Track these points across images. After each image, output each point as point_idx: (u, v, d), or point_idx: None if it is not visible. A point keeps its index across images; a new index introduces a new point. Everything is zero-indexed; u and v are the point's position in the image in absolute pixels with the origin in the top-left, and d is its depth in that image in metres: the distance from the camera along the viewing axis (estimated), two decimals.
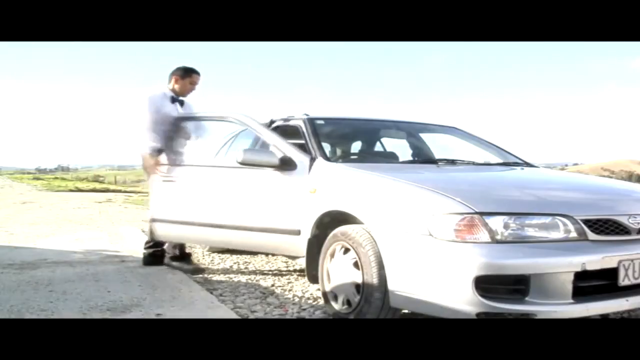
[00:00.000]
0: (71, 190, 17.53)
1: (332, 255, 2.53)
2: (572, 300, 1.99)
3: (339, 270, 2.47)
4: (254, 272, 3.60)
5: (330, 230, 2.56)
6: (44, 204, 10.51)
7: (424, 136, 3.85)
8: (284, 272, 3.61)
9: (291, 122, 3.34)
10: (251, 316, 2.57)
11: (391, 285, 2.16)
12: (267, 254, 4.16)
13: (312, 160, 2.84)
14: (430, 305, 2.06)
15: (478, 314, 1.94)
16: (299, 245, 2.75)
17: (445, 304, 2.01)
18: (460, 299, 1.96)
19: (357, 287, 2.34)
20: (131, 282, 3.19)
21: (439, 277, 2.01)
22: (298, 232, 2.75)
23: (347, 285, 2.41)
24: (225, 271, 3.67)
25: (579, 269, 1.96)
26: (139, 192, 17.91)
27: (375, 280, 2.22)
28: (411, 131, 3.83)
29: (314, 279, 2.70)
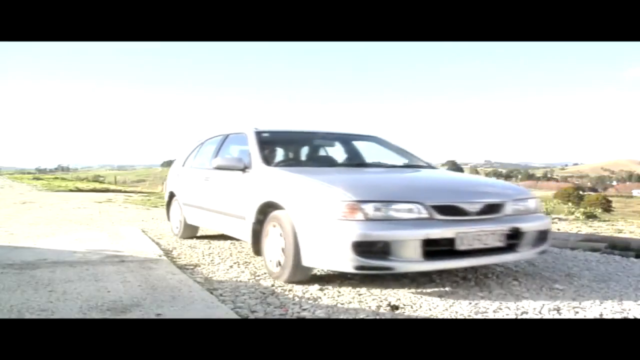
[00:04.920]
0: (71, 190, 17.52)
1: (268, 234, 3.49)
2: (422, 259, 2.88)
3: (272, 242, 3.45)
4: (254, 272, 3.60)
5: (268, 215, 3.51)
6: (44, 204, 10.51)
7: (359, 144, 4.89)
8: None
9: (243, 133, 4.35)
10: (251, 316, 2.57)
11: (302, 250, 3.10)
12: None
13: (256, 164, 3.85)
14: (326, 262, 3.00)
15: (355, 267, 2.85)
16: (247, 227, 3.73)
17: (335, 261, 2.93)
18: (345, 257, 2.86)
19: (283, 250, 3.28)
20: (131, 282, 3.19)
21: (331, 243, 2.92)
22: (244, 218, 3.78)
23: (276, 250, 3.38)
24: (226, 271, 3.67)
25: (424, 238, 2.86)
26: (139, 192, 17.93)
27: (292, 246, 3.16)
28: (341, 140, 4.88)
29: (257, 252, 3.68)
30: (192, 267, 3.83)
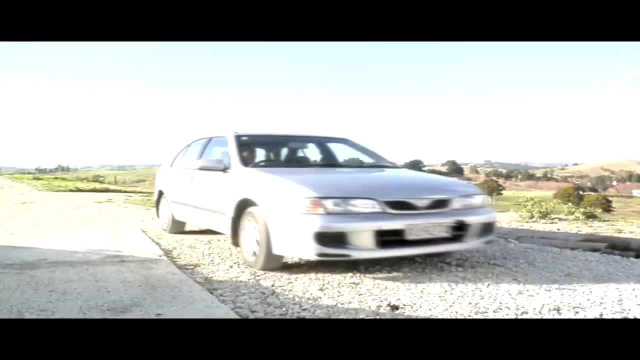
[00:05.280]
0: (71, 190, 17.52)
1: (244, 227, 3.88)
2: (375, 248, 3.29)
3: (248, 234, 3.84)
4: (254, 272, 3.60)
5: (244, 211, 3.88)
6: (44, 204, 10.51)
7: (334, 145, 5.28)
8: (284, 272, 3.60)
9: (224, 137, 4.71)
10: (251, 316, 2.57)
11: (272, 240, 3.50)
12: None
13: (235, 165, 4.24)
14: (293, 250, 3.42)
15: (317, 254, 3.26)
16: (227, 221, 4.10)
17: (300, 249, 3.34)
18: (308, 246, 3.26)
19: (257, 241, 3.67)
20: (131, 282, 3.19)
21: (297, 234, 3.32)
22: (224, 213, 4.17)
23: (251, 241, 3.78)
24: (226, 271, 3.67)
25: (376, 229, 3.26)
26: (139, 192, 17.92)
27: (264, 237, 3.56)
28: (315, 142, 5.27)
29: (235, 244, 4.07)
30: (192, 267, 3.83)
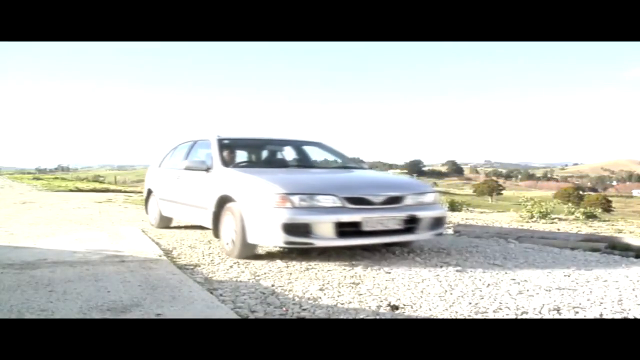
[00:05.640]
0: (71, 190, 17.52)
1: (224, 220, 4.36)
2: (335, 237, 3.79)
3: (226, 227, 4.31)
4: (254, 272, 3.60)
5: (224, 206, 4.35)
6: (44, 204, 10.51)
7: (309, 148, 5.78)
8: (284, 272, 3.61)
9: (208, 140, 5.17)
10: (251, 316, 2.57)
11: (247, 231, 3.97)
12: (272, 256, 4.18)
13: (216, 166, 4.71)
14: (264, 239, 3.88)
15: (285, 242, 3.75)
16: (209, 216, 4.56)
17: (271, 238, 3.82)
18: (277, 235, 3.75)
19: (234, 232, 4.12)
20: (131, 282, 3.19)
21: (268, 225, 3.80)
22: (206, 208, 4.62)
23: (230, 233, 4.24)
24: (226, 271, 3.67)
25: (336, 221, 3.76)
26: (139, 192, 17.91)
27: (240, 228, 4.03)
28: (291, 145, 5.76)
29: (216, 235, 4.54)
30: (192, 267, 3.83)
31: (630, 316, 2.66)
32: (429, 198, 4.34)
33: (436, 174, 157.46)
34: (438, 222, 4.30)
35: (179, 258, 4.20)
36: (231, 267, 3.82)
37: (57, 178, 36.84)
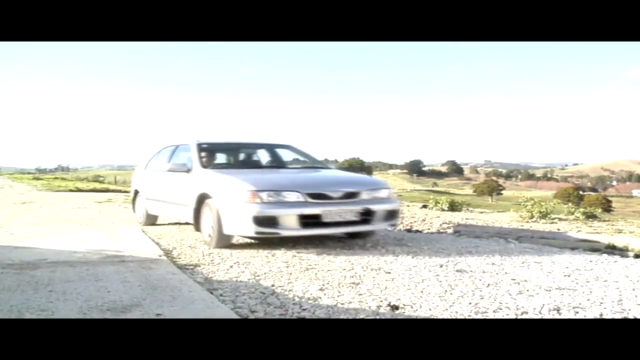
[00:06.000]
0: (71, 190, 17.51)
1: (203, 215, 4.89)
2: (299, 228, 4.38)
3: (206, 221, 4.85)
4: (254, 272, 3.60)
5: (203, 203, 4.88)
6: (44, 204, 10.51)
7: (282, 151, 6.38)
8: (284, 272, 3.61)
9: (188, 144, 5.71)
10: (251, 316, 2.57)
11: (223, 223, 4.52)
12: (268, 255, 4.19)
13: (196, 167, 5.25)
14: (238, 230, 4.47)
15: (255, 232, 4.32)
16: (190, 212, 5.10)
17: (243, 229, 4.40)
18: (248, 227, 4.33)
19: (212, 226, 4.67)
20: (131, 282, 3.19)
21: (240, 218, 4.36)
22: (188, 205, 5.16)
23: (208, 226, 4.78)
24: (226, 271, 3.67)
25: (299, 214, 4.34)
26: None
27: (217, 222, 4.58)
28: (265, 148, 6.43)
29: (197, 229, 5.08)
30: (192, 267, 3.83)
31: (630, 316, 2.66)
32: (383, 193, 4.91)
33: (436, 174, 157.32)
34: (392, 215, 4.88)
35: (179, 258, 4.20)
36: (231, 267, 3.82)
37: (57, 178, 36.82)
